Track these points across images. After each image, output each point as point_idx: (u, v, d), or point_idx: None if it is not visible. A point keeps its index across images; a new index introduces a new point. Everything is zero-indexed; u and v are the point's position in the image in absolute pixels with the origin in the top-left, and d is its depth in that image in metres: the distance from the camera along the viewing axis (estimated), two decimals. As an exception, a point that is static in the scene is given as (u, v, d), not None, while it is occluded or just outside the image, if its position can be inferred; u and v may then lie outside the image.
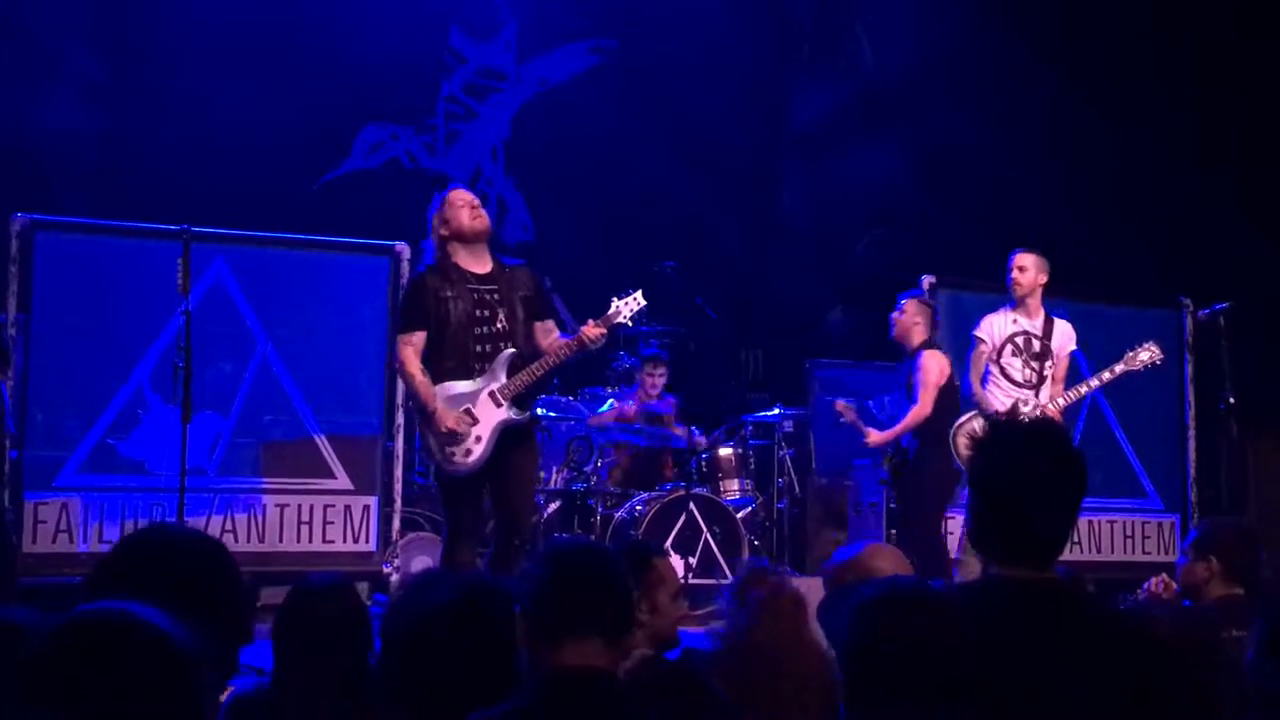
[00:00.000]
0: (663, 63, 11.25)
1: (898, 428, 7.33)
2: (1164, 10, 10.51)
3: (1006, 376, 7.23)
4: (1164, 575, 5.22)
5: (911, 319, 7.38)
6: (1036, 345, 7.28)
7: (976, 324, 7.40)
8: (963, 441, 7.09)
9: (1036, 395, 7.20)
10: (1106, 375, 7.38)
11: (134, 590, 1.74)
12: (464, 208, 5.75)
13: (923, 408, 7.19)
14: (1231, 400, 7.62)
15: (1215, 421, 8.00)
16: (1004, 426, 2.75)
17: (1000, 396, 7.17)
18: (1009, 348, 7.25)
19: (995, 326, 7.30)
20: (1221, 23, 10.37)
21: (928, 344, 7.35)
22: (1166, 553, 8.88)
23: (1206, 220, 10.15)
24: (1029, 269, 7.31)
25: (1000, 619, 2.40)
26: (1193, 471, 9.17)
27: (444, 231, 5.76)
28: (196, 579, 2.04)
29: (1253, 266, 9.50)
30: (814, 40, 11.68)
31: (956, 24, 10.70)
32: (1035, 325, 7.31)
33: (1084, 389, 7.39)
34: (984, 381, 7.27)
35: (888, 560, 3.15)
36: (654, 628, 3.29)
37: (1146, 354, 7.31)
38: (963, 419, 7.25)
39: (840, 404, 7.76)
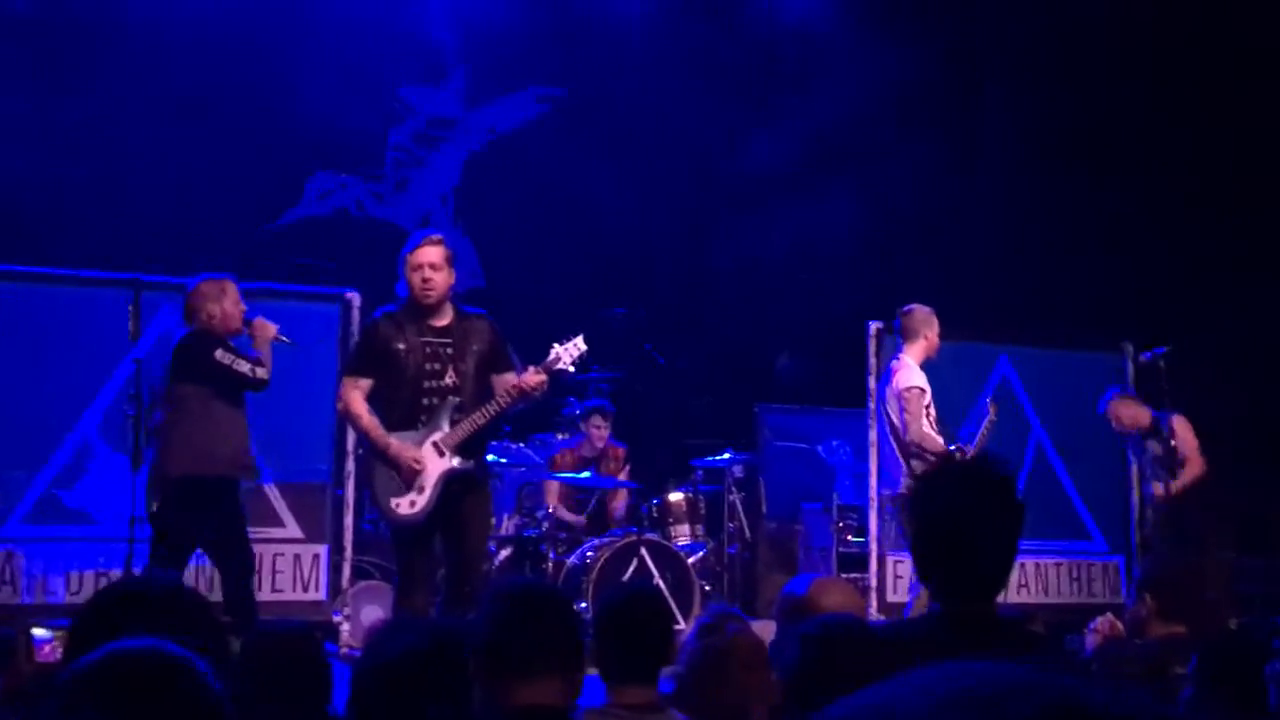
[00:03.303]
0: (610, 110, 11.36)
1: (1183, 483, 7.99)
2: (1105, 62, 10.77)
3: (933, 427, 7.14)
4: (1109, 615, 5.31)
5: (1129, 414, 8.21)
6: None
7: (899, 374, 7.16)
8: None
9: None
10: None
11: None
12: (416, 272, 5.65)
13: (1200, 466, 7.99)
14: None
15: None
16: (944, 464, 2.81)
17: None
18: (930, 398, 7.18)
19: (925, 378, 7.18)
20: (1162, 73, 10.62)
21: (1170, 410, 7.97)
22: (1113, 594, 8.98)
23: (1148, 265, 10.36)
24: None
25: (943, 652, 2.45)
26: (1136, 514, 9.27)
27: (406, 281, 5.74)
28: (174, 628, 2.07)
29: (1193, 309, 9.70)
30: (759, 88, 11.84)
31: (899, 71, 10.90)
32: None
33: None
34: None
35: (837, 595, 3.19)
36: None
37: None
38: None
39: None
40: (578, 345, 5.88)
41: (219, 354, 6.08)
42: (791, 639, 2.41)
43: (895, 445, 7.18)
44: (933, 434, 7.04)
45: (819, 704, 2.25)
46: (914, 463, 7.01)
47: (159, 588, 2.27)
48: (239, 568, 6.21)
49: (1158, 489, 8.19)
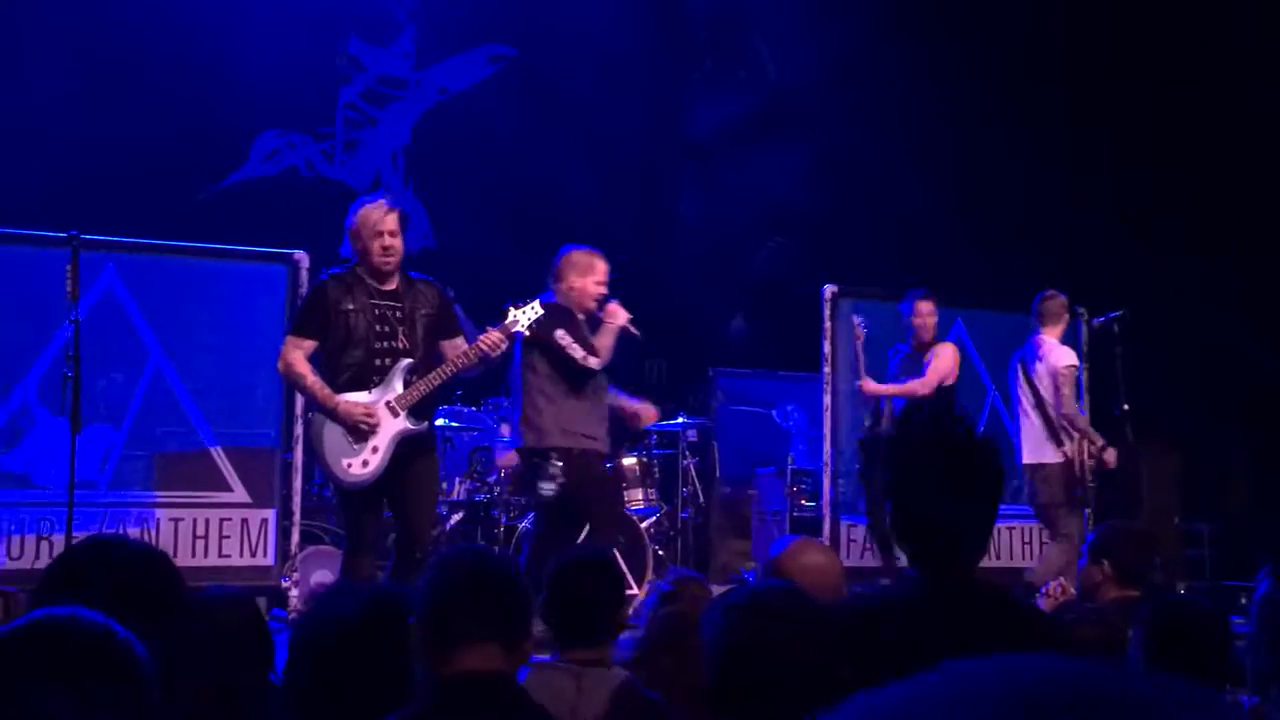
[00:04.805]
0: (563, 71, 11.22)
1: (892, 388, 7.69)
2: (1052, 25, 10.74)
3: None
4: (1061, 579, 5.33)
5: (929, 319, 7.89)
6: None
7: (1054, 352, 7.78)
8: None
9: None
10: None
11: (79, 599, 1.74)
12: (376, 239, 5.59)
13: (926, 385, 7.51)
14: (1126, 406, 7.80)
15: (1110, 427, 8.17)
16: (912, 428, 2.72)
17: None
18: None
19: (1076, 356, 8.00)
20: (1103, 37, 10.61)
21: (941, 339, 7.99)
22: (1064, 558, 9.01)
23: (1101, 229, 10.37)
24: None
25: (923, 620, 2.39)
26: (1090, 477, 9.28)
27: (357, 245, 5.67)
28: (141, 589, 2.05)
29: (1143, 276, 9.71)
30: (713, 50, 11.74)
31: (854, 36, 10.83)
32: None
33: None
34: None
35: (816, 556, 3.13)
36: None
37: None
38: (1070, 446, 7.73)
39: (856, 323, 8.01)
40: (534, 308, 5.88)
41: (559, 334, 6.13)
42: (715, 612, 2.32)
43: (1039, 418, 7.81)
44: (1081, 412, 7.89)
45: (747, 688, 2.18)
46: (1062, 436, 7.75)
47: (123, 551, 2.29)
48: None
49: (866, 384, 7.84)
